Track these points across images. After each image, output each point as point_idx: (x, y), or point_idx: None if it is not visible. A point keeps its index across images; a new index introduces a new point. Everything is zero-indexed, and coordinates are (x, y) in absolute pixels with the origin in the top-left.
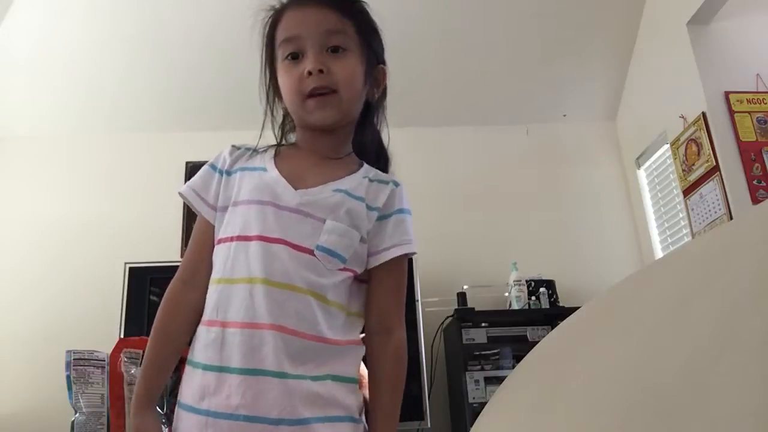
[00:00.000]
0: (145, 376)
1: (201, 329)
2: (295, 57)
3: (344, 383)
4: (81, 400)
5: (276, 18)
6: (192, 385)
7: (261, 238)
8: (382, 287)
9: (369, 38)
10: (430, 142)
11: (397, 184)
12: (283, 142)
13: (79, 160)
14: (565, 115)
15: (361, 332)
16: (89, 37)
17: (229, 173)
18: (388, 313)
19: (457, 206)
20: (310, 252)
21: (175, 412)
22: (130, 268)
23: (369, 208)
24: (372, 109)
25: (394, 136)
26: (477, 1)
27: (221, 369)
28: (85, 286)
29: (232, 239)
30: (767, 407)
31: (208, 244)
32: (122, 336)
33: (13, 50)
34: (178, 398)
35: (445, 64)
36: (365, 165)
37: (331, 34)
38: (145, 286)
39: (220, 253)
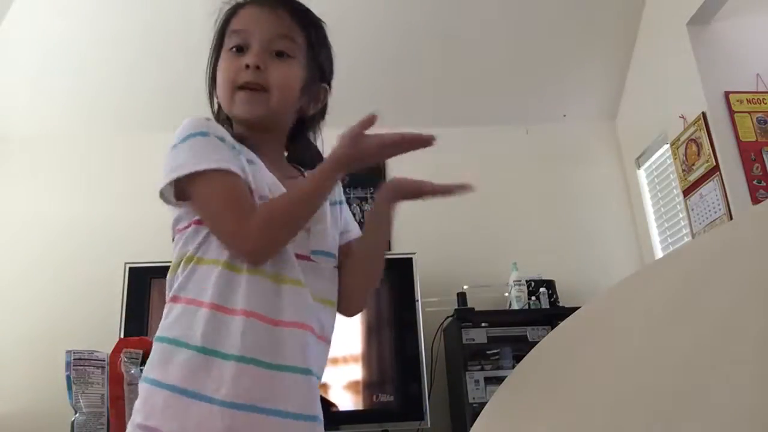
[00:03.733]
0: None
1: (223, 318)
2: (240, 50)
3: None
4: (81, 400)
5: (233, 11)
6: (207, 374)
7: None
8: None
9: (318, 53)
10: None
11: None
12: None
13: (80, 160)
14: (565, 115)
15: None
16: (91, 36)
17: (237, 153)
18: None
19: (457, 206)
20: (307, 258)
21: (166, 401)
22: (130, 268)
23: (332, 203)
24: (306, 124)
25: None
26: (477, 1)
27: (247, 360)
28: (85, 286)
29: None
30: (767, 407)
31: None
32: (122, 336)
33: (14, 50)
34: (176, 384)
35: (445, 64)
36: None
37: (279, 38)
38: (145, 286)
39: None
